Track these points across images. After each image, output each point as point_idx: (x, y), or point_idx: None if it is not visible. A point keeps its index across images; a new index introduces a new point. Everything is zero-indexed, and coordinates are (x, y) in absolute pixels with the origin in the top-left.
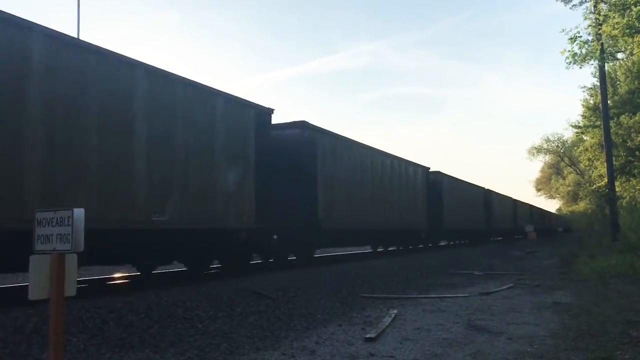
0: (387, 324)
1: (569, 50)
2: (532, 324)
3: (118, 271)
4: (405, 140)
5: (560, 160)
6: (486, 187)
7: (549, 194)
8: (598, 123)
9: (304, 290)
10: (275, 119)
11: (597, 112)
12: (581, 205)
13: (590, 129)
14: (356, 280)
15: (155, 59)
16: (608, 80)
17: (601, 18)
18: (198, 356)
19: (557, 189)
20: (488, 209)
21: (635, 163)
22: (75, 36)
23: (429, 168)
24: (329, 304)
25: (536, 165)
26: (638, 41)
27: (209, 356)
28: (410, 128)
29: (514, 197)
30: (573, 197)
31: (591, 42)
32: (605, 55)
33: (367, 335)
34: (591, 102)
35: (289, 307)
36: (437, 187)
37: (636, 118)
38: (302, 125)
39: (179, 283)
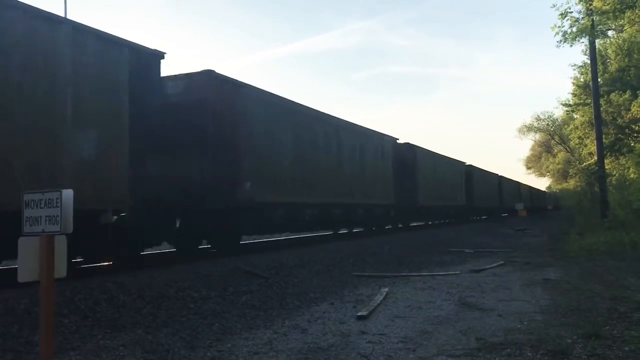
0: (378, 302)
1: (559, 27)
2: (522, 301)
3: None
4: (397, 119)
5: (551, 139)
6: (499, 174)
7: (539, 172)
8: (588, 101)
9: (297, 269)
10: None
11: (587, 90)
12: (571, 183)
13: (580, 107)
14: (348, 259)
15: (145, 40)
16: (599, 57)
17: None
18: (190, 336)
19: (547, 167)
20: (500, 191)
21: (625, 141)
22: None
23: (465, 163)
24: (321, 283)
25: (526, 144)
26: (629, 17)
27: (202, 336)
28: (403, 106)
29: (511, 179)
30: (563, 175)
31: (582, 19)
32: (596, 32)
33: (359, 314)
34: (581, 80)
35: (281, 286)
36: (470, 175)
37: (626, 96)
38: (409, 145)
39: (171, 262)
